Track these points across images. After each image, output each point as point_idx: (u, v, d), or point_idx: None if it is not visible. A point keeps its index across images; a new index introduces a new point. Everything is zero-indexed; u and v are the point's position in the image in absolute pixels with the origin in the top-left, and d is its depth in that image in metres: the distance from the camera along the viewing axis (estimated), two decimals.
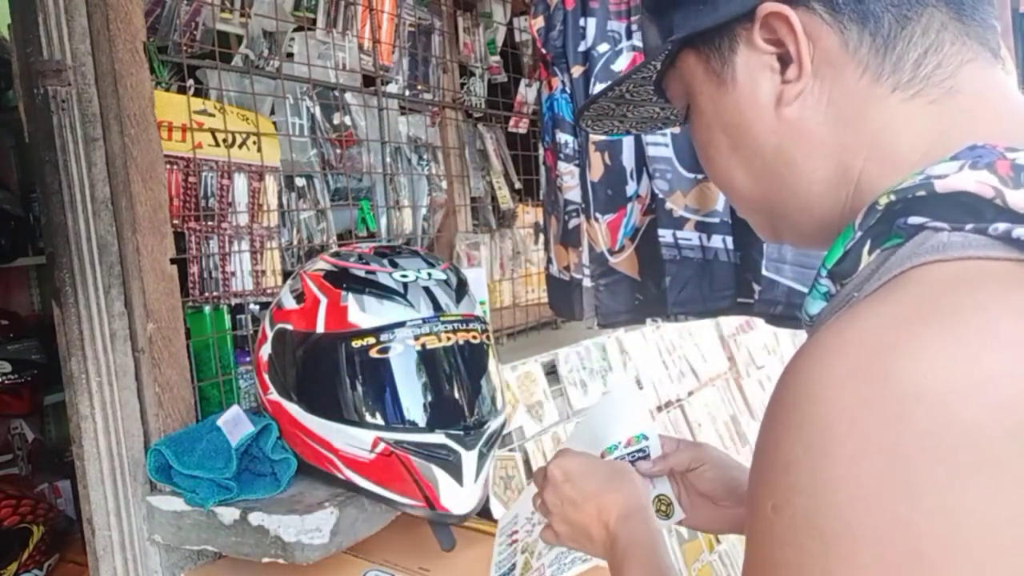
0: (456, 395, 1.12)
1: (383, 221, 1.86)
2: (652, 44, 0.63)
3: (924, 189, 0.44)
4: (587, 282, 1.68)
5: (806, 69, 0.51)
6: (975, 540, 0.35)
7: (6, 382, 2.09)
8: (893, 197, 0.45)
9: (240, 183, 1.44)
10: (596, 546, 0.79)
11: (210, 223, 1.39)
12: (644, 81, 0.65)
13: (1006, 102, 0.50)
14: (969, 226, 0.41)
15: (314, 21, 1.73)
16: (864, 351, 0.39)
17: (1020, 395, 0.35)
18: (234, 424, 1.12)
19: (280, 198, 1.56)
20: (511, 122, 2.40)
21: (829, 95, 0.52)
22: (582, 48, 1.59)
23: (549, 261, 1.80)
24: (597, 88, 1.62)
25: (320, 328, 1.08)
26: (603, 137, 1.62)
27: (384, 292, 1.09)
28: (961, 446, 0.35)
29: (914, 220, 0.43)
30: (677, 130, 1.54)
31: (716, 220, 1.51)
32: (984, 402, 0.35)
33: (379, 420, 1.07)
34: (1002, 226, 0.40)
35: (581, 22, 1.58)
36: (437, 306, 1.10)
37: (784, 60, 0.52)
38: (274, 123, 1.55)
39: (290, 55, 1.66)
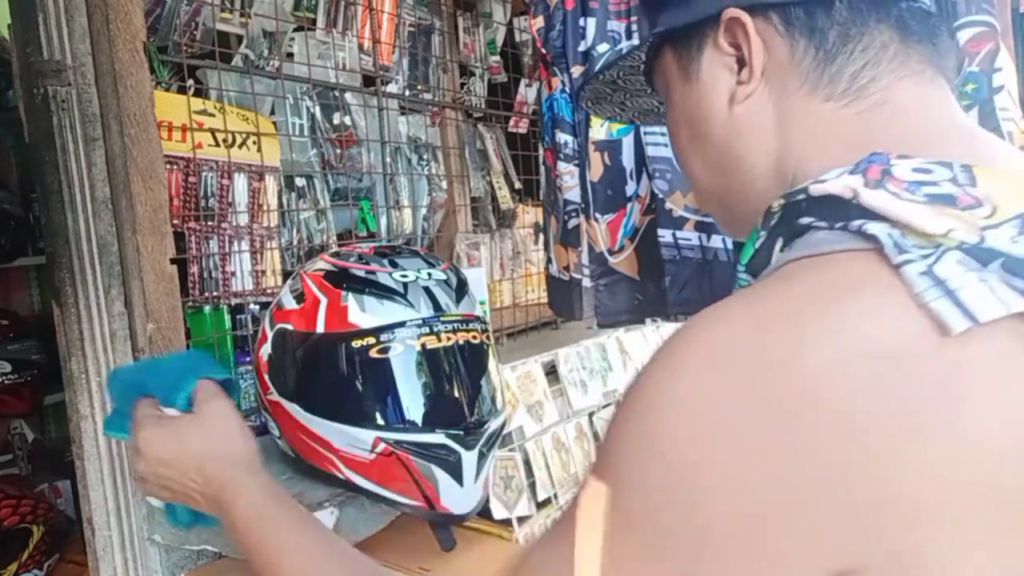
0: (456, 395, 1.12)
1: (383, 221, 1.86)
2: (643, 36, 0.69)
3: (802, 193, 0.50)
4: (587, 282, 1.68)
5: (756, 73, 0.56)
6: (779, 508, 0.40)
7: (6, 382, 2.09)
8: (782, 201, 0.52)
9: (240, 183, 1.44)
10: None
11: (210, 223, 1.39)
12: (633, 70, 0.71)
13: (927, 116, 0.54)
14: (839, 224, 0.46)
15: (314, 21, 1.73)
16: (737, 324, 0.44)
17: (837, 367, 0.40)
18: None
19: (280, 198, 1.56)
20: (511, 122, 2.40)
21: (774, 100, 0.57)
22: (582, 48, 1.59)
23: (549, 261, 1.80)
24: None
25: (320, 328, 1.08)
26: (603, 137, 1.62)
27: (384, 292, 1.09)
28: (787, 412, 0.40)
29: (803, 220, 0.49)
30: None
31: None
32: (804, 372, 0.40)
33: (379, 420, 1.07)
34: (857, 222, 0.45)
35: (581, 22, 1.58)
36: (437, 306, 1.10)
37: (741, 63, 0.58)
38: (274, 123, 1.55)
39: (290, 55, 1.66)
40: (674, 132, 0.66)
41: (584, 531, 0.46)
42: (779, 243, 0.52)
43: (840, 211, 0.46)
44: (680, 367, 0.44)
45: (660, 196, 1.54)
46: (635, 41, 1.57)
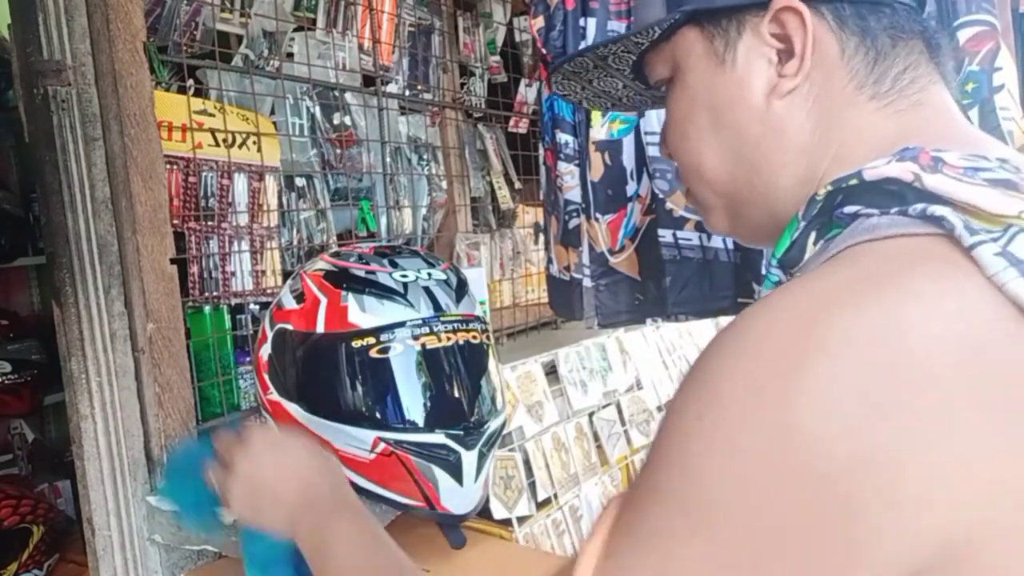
0: (456, 395, 1.12)
1: (383, 221, 1.86)
2: (651, 14, 0.64)
3: (855, 178, 0.48)
4: (587, 282, 1.68)
5: (806, 66, 0.54)
6: (869, 471, 0.38)
7: (6, 382, 2.09)
8: (830, 187, 0.50)
9: (240, 183, 1.44)
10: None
11: (210, 223, 1.39)
12: (635, 47, 0.66)
13: (951, 118, 0.56)
14: (894, 209, 0.45)
15: (314, 21, 1.73)
16: (796, 307, 0.42)
17: (932, 345, 0.39)
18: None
19: (280, 198, 1.56)
20: (511, 122, 2.40)
21: (816, 96, 0.55)
22: (582, 48, 1.59)
23: (549, 261, 1.80)
24: None
25: (320, 328, 1.08)
26: (604, 137, 1.62)
27: (384, 292, 1.09)
28: (872, 388, 0.38)
29: (849, 209, 0.48)
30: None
31: None
32: (898, 348, 0.39)
33: (379, 420, 1.07)
34: (920, 206, 0.44)
35: (581, 22, 1.58)
36: (437, 306, 1.10)
37: (783, 55, 0.56)
38: (274, 123, 1.55)
39: (290, 55, 1.66)
40: (684, 115, 0.62)
41: (674, 542, 0.42)
42: (812, 236, 0.51)
43: (893, 197, 0.46)
44: (789, 357, 0.41)
45: (661, 196, 1.54)
46: None
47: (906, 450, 0.38)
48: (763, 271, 1.42)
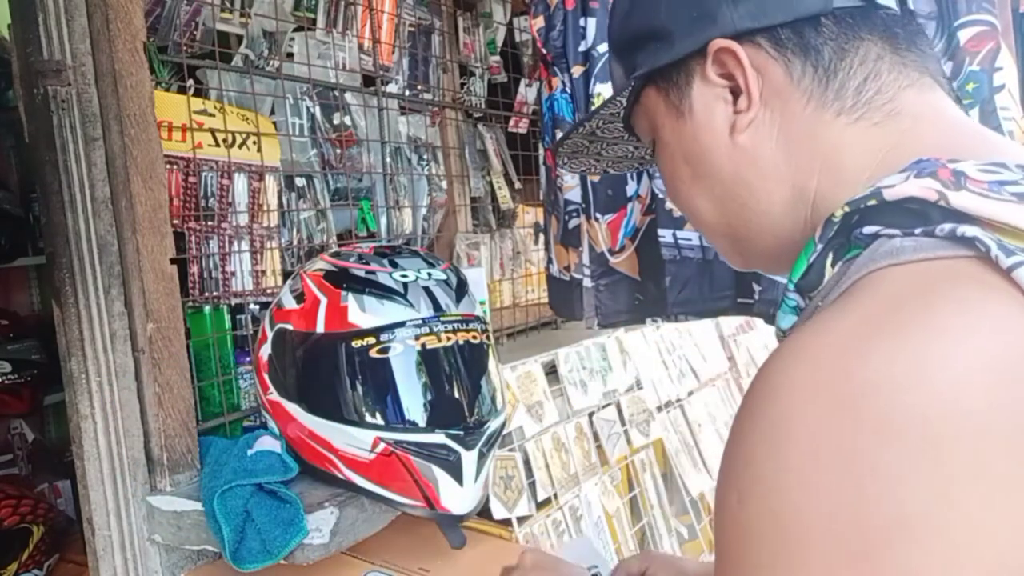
0: (456, 395, 1.12)
1: (383, 221, 1.86)
2: (619, 82, 0.68)
3: (875, 198, 0.46)
4: (587, 282, 1.68)
5: (755, 99, 0.55)
6: (924, 522, 0.35)
7: (6, 382, 2.09)
8: (847, 208, 0.48)
9: (240, 183, 1.44)
10: None
11: (210, 223, 1.39)
12: (613, 118, 0.70)
13: (944, 120, 0.54)
14: (918, 230, 0.43)
15: (314, 21, 1.73)
16: (822, 353, 0.41)
17: (961, 382, 0.36)
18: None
19: (280, 198, 1.56)
20: (511, 122, 2.40)
21: (779, 123, 0.56)
22: (582, 48, 1.59)
23: (549, 261, 1.80)
24: (597, 88, 1.61)
25: (320, 328, 1.08)
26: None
27: (384, 292, 1.09)
28: (908, 433, 0.36)
29: (868, 229, 0.46)
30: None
31: None
32: (928, 390, 0.37)
33: (379, 420, 1.07)
34: (947, 226, 0.42)
35: (581, 22, 1.58)
36: (437, 306, 1.10)
37: (735, 92, 0.57)
38: (274, 123, 1.55)
39: (290, 55, 1.66)
40: (671, 172, 0.64)
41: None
42: (830, 257, 0.50)
43: (915, 216, 0.44)
44: (794, 407, 0.39)
45: (660, 196, 1.54)
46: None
47: (940, 510, 0.36)
48: (763, 271, 1.42)
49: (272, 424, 1.19)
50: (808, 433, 0.38)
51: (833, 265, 0.50)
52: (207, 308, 1.33)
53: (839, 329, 0.41)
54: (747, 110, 0.56)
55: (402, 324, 1.07)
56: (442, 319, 1.10)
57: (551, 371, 2.06)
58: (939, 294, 0.40)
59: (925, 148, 0.49)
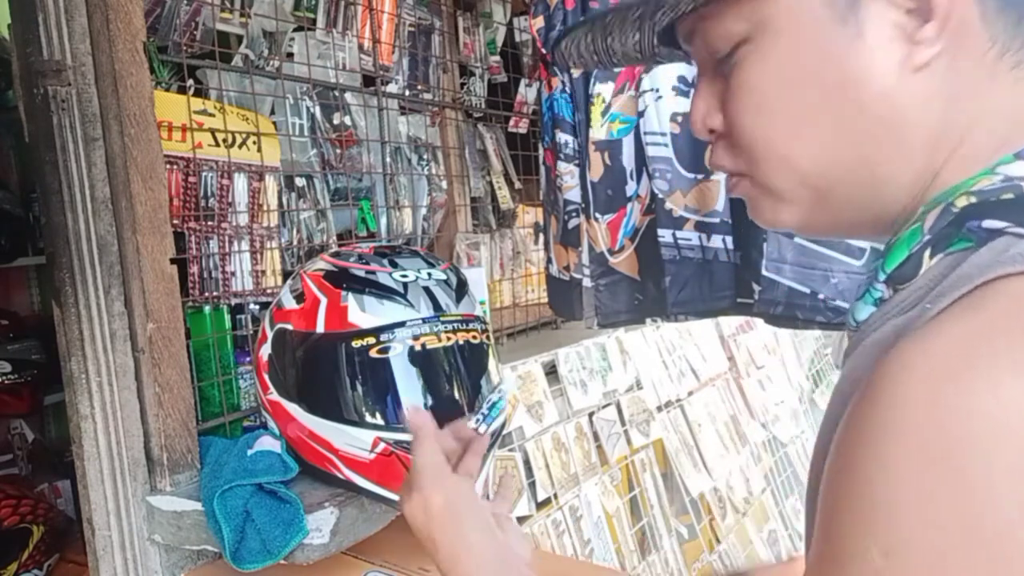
0: (456, 395, 1.12)
1: (383, 221, 1.86)
2: None
3: (1011, 192, 0.40)
4: (587, 282, 1.68)
5: (946, 29, 0.45)
6: None
7: (6, 382, 2.09)
8: (973, 200, 0.41)
9: (240, 183, 1.44)
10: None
11: (210, 223, 1.39)
12: (688, 4, 0.52)
13: None
14: None
15: (314, 21, 1.73)
16: (949, 374, 0.36)
17: None
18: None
19: (280, 198, 1.56)
20: (511, 122, 2.40)
21: (951, 65, 0.46)
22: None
23: (549, 261, 1.80)
24: (597, 88, 1.62)
25: (320, 328, 1.08)
26: (603, 137, 1.62)
27: (384, 292, 1.09)
28: None
29: (991, 224, 0.40)
30: (677, 130, 1.54)
31: (716, 220, 1.51)
32: None
33: (379, 420, 1.07)
34: None
35: None
36: (437, 306, 1.10)
37: (915, 16, 0.46)
38: (274, 123, 1.55)
39: (290, 55, 1.66)
40: (776, 93, 0.49)
41: None
42: (929, 248, 0.43)
43: None
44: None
45: (660, 196, 1.54)
46: None
47: None
48: (764, 271, 1.42)
49: (272, 424, 1.19)
50: (951, 481, 0.34)
51: (932, 256, 0.43)
52: (207, 308, 1.33)
53: (966, 346, 0.36)
54: (932, 43, 0.45)
55: (402, 324, 1.07)
56: (442, 319, 1.10)
57: (551, 371, 2.06)
58: None
59: None
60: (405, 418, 0.78)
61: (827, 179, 0.50)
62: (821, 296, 1.38)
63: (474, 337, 1.14)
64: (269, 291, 1.46)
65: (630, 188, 1.61)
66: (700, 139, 0.57)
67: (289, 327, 1.12)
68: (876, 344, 0.45)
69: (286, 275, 1.48)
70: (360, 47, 1.83)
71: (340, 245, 1.65)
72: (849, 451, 0.38)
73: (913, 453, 0.35)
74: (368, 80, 1.84)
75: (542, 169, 1.80)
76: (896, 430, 0.36)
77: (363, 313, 1.07)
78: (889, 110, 0.47)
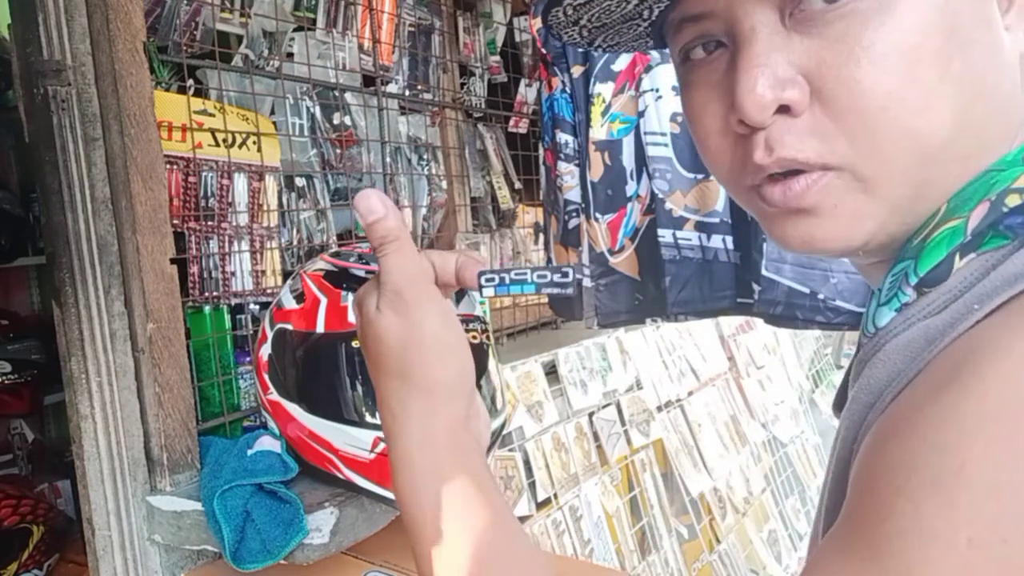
0: None
1: None
2: None
3: None
4: (587, 282, 1.68)
5: None
6: None
7: (6, 382, 2.09)
8: None
9: (240, 183, 1.44)
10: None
11: (210, 223, 1.39)
12: None
13: None
14: None
15: (314, 21, 1.73)
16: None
17: None
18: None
19: (280, 198, 1.56)
20: (511, 122, 2.40)
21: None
22: (582, 48, 1.59)
23: (549, 261, 1.80)
24: (597, 88, 1.62)
25: (320, 328, 1.08)
26: (603, 137, 1.62)
27: None
28: None
29: None
30: (677, 130, 1.54)
31: (716, 220, 1.52)
32: None
33: (379, 420, 1.07)
34: None
35: None
36: None
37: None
38: (274, 123, 1.55)
39: (290, 55, 1.66)
40: (915, 43, 0.39)
41: None
42: (959, 252, 0.39)
43: None
44: None
45: (660, 196, 1.54)
46: None
47: None
48: (764, 271, 1.42)
49: (272, 424, 1.19)
50: None
51: (962, 256, 0.38)
52: (207, 308, 1.33)
53: None
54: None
55: None
56: None
57: (551, 371, 2.06)
58: None
59: None
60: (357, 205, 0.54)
61: (958, 148, 0.41)
62: (821, 296, 1.39)
63: (474, 337, 1.14)
64: (269, 291, 1.46)
65: (630, 188, 1.61)
66: (749, 125, 0.43)
67: (289, 327, 1.12)
68: (907, 346, 0.41)
69: (286, 275, 1.48)
70: (360, 47, 1.83)
71: (340, 245, 1.65)
72: (932, 432, 0.34)
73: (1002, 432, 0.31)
74: (368, 80, 1.84)
75: (542, 169, 1.81)
76: (1004, 410, 0.32)
77: None
78: (1004, 60, 0.41)
